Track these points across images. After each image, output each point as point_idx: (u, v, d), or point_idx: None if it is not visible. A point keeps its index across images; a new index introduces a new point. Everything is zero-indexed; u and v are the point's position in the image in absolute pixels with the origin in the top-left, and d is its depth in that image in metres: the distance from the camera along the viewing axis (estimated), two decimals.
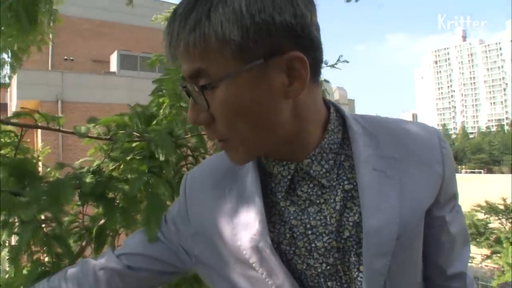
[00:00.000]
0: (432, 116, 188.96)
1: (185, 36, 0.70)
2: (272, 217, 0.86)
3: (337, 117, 0.88)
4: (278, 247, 0.84)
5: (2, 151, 1.66)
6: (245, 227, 0.83)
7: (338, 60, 3.30)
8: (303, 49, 0.73)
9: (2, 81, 2.40)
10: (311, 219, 0.83)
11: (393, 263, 0.81)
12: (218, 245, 0.87)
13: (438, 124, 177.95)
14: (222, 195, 0.89)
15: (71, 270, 1.01)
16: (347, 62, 3.39)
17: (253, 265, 0.82)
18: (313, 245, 0.83)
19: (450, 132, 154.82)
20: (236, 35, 0.68)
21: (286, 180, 0.85)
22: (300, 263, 0.84)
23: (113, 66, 15.95)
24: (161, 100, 1.89)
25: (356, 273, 0.82)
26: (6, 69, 2.42)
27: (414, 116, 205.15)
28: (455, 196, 0.93)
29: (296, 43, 0.72)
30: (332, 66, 3.25)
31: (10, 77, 2.44)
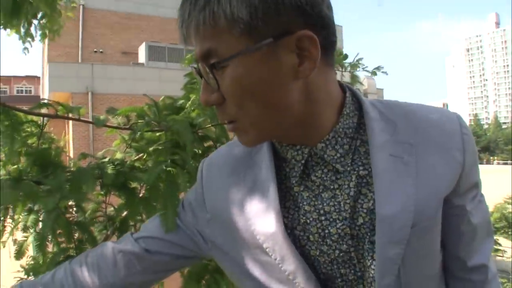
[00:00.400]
0: (464, 106, 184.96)
1: (196, 15, 0.71)
2: (287, 202, 0.86)
3: (353, 101, 0.86)
4: (291, 232, 0.84)
5: (28, 141, 1.69)
6: (259, 213, 0.83)
7: (378, 68, 3.28)
8: (313, 28, 0.72)
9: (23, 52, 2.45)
10: (324, 204, 0.83)
11: (407, 252, 0.79)
12: (233, 230, 0.87)
13: (469, 114, 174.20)
14: (237, 181, 0.89)
15: (91, 253, 1.02)
16: (386, 74, 3.36)
17: (267, 250, 0.82)
18: (326, 231, 0.82)
19: (482, 122, 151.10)
20: (244, 14, 0.68)
21: (300, 165, 0.84)
22: (314, 249, 0.84)
23: (142, 57, 16.08)
24: (190, 95, 1.89)
25: (370, 261, 0.81)
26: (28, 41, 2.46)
27: (445, 105, 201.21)
28: (476, 185, 0.90)
29: (305, 22, 0.72)
30: (373, 73, 3.24)
31: (43, 38, 2.46)
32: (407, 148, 0.82)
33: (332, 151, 0.82)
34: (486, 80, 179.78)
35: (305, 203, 0.84)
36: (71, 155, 13.93)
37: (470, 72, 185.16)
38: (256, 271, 0.86)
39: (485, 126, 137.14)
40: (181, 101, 1.84)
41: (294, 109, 0.77)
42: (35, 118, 1.72)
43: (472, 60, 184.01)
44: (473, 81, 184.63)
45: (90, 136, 13.52)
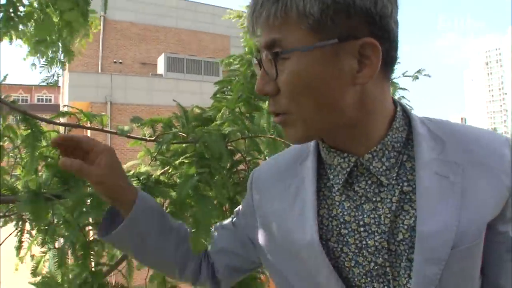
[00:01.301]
0: (483, 120, 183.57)
1: (269, 6, 0.73)
2: (321, 210, 0.86)
3: (403, 116, 0.85)
4: (326, 244, 0.84)
5: (47, 151, 1.63)
6: (298, 222, 0.85)
7: (419, 72, 3.24)
8: (378, 39, 0.73)
9: (50, 80, 2.38)
10: (364, 216, 0.82)
11: (445, 273, 0.76)
12: (277, 237, 0.90)
13: (488, 128, 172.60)
14: (283, 189, 0.91)
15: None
16: (429, 76, 3.33)
17: (303, 260, 0.84)
18: (364, 242, 0.81)
19: None
20: (316, 10, 0.70)
21: (345, 172, 0.83)
22: (348, 261, 0.83)
23: (160, 68, 16.30)
24: (221, 104, 1.80)
25: (406, 279, 0.79)
26: (54, 68, 2.40)
27: (463, 119, 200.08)
28: None
29: (371, 31, 0.72)
30: (414, 77, 3.20)
31: (58, 75, 2.42)
32: (454, 168, 0.80)
33: (378, 163, 0.81)
34: (505, 94, 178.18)
35: (345, 213, 0.84)
36: None
37: (489, 85, 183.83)
38: (292, 279, 0.87)
39: None
40: (210, 112, 1.75)
41: (345, 113, 0.77)
42: (56, 127, 1.65)
43: (491, 73, 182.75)
44: (492, 95, 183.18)
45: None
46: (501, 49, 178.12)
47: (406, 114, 0.87)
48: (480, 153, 0.82)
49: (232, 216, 1.11)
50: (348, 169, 0.83)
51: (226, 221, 1.12)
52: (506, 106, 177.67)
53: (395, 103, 0.86)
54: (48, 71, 2.34)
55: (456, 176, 0.80)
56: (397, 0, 0.77)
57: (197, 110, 1.75)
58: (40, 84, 2.27)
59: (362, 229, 0.82)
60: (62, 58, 2.36)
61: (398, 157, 0.82)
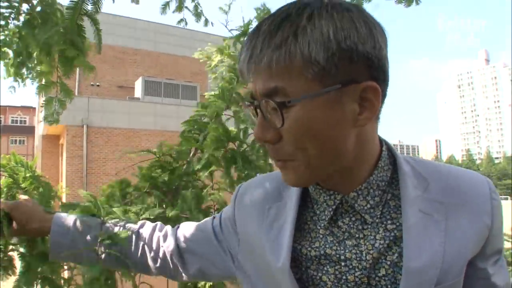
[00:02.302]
0: (456, 141, 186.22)
1: (269, 53, 0.71)
2: (304, 241, 0.88)
3: (388, 155, 0.88)
4: (306, 271, 0.87)
5: (23, 185, 1.72)
6: (273, 247, 0.88)
7: None
8: (376, 81, 0.75)
9: (50, 119, 2.46)
10: (346, 251, 0.84)
11: None
12: (255, 256, 0.93)
13: (462, 149, 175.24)
14: (262, 212, 0.94)
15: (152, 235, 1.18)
16: None
17: (277, 281, 0.86)
18: (344, 277, 0.83)
19: (474, 157, 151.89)
20: (321, 57, 0.70)
21: (331, 209, 0.86)
22: None
23: (138, 92, 16.17)
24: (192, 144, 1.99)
25: None
26: (55, 106, 2.46)
27: (437, 141, 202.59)
28: (500, 251, 0.91)
29: (371, 74, 0.74)
30: None
31: (58, 113, 2.48)
32: (438, 207, 0.84)
33: (363, 201, 0.84)
34: (478, 115, 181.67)
35: (327, 246, 0.85)
36: (64, 186, 13.73)
37: (462, 107, 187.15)
38: None
39: (478, 161, 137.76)
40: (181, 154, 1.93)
41: (347, 155, 0.79)
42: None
43: (463, 96, 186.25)
44: (465, 117, 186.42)
45: (83, 169, 13.46)
46: (472, 72, 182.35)
47: (391, 153, 0.89)
48: (462, 193, 0.85)
49: (213, 220, 1.12)
50: (334, 207, 0.85)
51: (206, 224, 1.13)
52: (478, 128, 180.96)
53: (381, 141, 0.88)
54: (48, 110, 2.40)
55: (439, 214, 0.83)
56: (386, 38, 0.78)
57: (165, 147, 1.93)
58: (42, 120, 2.30)
59: (343, 263, 0.83)
60: (61, 97, 2.41)
61: (382, 196, 0.85)
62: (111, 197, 1.84)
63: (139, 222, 1.25)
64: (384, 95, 0.78)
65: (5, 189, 1.87)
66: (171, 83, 15.88)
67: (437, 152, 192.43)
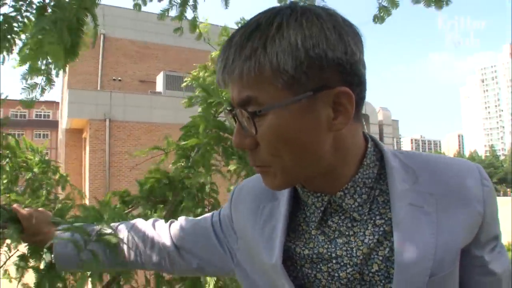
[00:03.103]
0: (479, 137, 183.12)
1: (240, 64, 0.74)
2: (299, 241, 0.90)
3: (375, 152, 0.89)
4: (300, 269, 0.88)
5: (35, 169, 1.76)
6: (266, 246, 0.90)
7: None
8: (349, 85, 0.76)
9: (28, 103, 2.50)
10: (337, 249, 0.85)
11: None
12: (251, 254, 0.96)
13: (485, 145, 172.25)
14: (256, 210, 0.96)
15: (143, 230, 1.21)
16: None
17: (272, 277, 0.88)
18: (336, 274, 0.85)
19: (498, 154, 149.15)
20: (290, 66, 0.71)
21: (319, 211, 0.87)
22: (322, 286, 0.87)
23: (159, 86, 16.32)
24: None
25: None
26: (37, 90, 2.49)
27: (460, 136, 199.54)
28: (496, 238, 0.90)
29: (343, 79, 0.75)
30: None
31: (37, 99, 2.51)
32: (428, 198, 0.84)
33: (350, 199, 0.85)
34: (502, 110, 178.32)
35: (319, 245, 0.87)
36: (87, 180, 14.08)
37: (486, 102, 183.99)
38: None
39: (502, 157, 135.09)
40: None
41: (324, 159, 0.80)
42: None
43: (487, 90, 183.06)
44: (489, 112, 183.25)
45: (105, 162, 13.64)
46: (497, 66, 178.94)
47: (378, 148, 0.90)
48: (452, 182, 0.85)
49: (212, 217, 1.14)
50: (322, 208, 0.87)
51: (206, 221, 1.15)
52: (502, 123, 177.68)
53: (366, 139, 0.89)
54: (29, 94, 2.42)
55: (430, 206, 0.83)
56: (362, 43, 0.79)
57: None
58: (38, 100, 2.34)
59: (334, 261, 0.85)
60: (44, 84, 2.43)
61: (370, 193, 0.85)
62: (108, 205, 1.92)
63: (134, 220, 1.29)
64: (361, 98, 0.80)
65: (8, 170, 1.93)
66: None
67: (459, 148, 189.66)
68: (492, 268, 0.88)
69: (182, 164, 2.31)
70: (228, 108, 0.84)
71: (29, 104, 2.38)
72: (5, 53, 2.35)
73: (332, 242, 0.86)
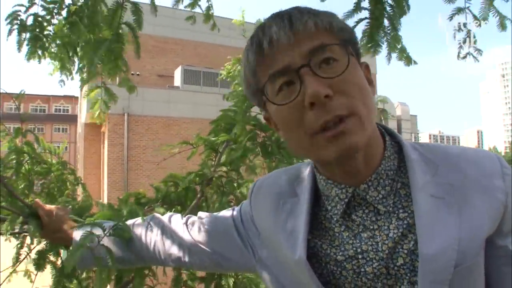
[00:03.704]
0: (499, 133, 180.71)
1: (312, 17, 0.79)
2: (323, 238, 0.90)
3: (392, 145, 0.90)
4: (326, 266, 0.88)
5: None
6: (289, 240, 0.90)
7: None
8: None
9: (98, 119, 2.61)
10: (362, 244, 0.85)
11: None
12: (274, 249, 0.96)
13: (505, 141, 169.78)
14: (277, 206, 0.96)
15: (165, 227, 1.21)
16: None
17: (295, 273, 0.88)
18: (362, 269, 0.84)
19: None
20: (347, 29, 0.84)
21: (343, 203, 0.87)
22: (348, 283, 0.86)
23: (177, 80, 16.42)
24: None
25: None
26: (100, 106, 2.61)
27: (479, 132, 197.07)
28: None
29: (360, 59, 0.88)
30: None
31: (104, 113, 2.64)
32: (449, 189, 0.83)
33: (374, 192, 0.85)
34: None
35: (344, 241, 0.87)
36: (105, 174, 14.23)
37: (506, 98, 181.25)
38: (290, 286, 0.92)
39: None
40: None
41: (374, 116, 0.83)
42: None
43: (507, 86, 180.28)
44: (509, 107, 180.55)
45: (124, 156, 13.76)
46: None
47: (396, 141, 0.91)
48: (473, 172, 0.85)
49: (233, 212, 1.13)
50: (346, 200, 0.86)
51: (226, 216, 1.13)
52: None
53: (381, 132, 0.91)
54: (94, 109, 2.53)
55: (451, 196, 0.83)
56: None
57: None
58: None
59: (360, 256, 0.84)
60: (106, 99, 2.54)
61: (392, 185, 0.86)
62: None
63: (150, 216, 1.29)
64: None
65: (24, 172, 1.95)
66: (210, 71, 15.97)
67: (478, 144, 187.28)
68: None
69: (213, 160, 2.30)
70: (284, 70, 0.79)
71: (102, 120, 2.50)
72: (40, 52, 2.41)
73: (357, 237, 0.86)
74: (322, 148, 0.79)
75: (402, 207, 0.85)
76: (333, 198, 0.89)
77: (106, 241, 1.25)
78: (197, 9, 2.95)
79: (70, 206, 1.59)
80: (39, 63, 2.50)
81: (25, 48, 2.35)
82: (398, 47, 2.17)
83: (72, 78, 2.78)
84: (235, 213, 1.12)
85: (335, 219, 0.88)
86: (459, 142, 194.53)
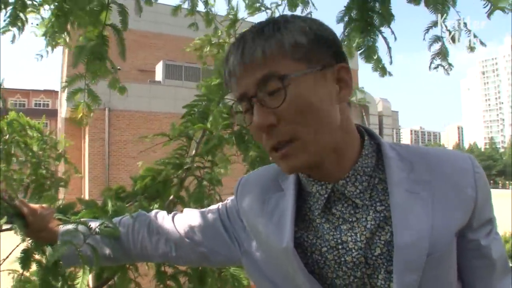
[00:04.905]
0: (479, 129, 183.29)
1: (262, 43, 0.83)
2: (309, 230, 0.95)
3: (371, 144, 0.96)
4: (311, 256, 0.94)
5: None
6: (276, 230, 0.95)
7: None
8: (345, 63, 0.90)
9: (81, 121, 2.57)
10: (342, 235, 0.91)
11: (423, 279, 0.85)
12: (260, 242, 1.01)
13: (485, 137, 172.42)
14: (263, 201, 1.02)
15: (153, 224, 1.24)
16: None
17: (282, 263, 0.93)
18: (342, 259, 0.90)
19: (498, 146, 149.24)
20: (304, 41, 0.84)
21: (323, 198, 0.94)
22: (331, 272, 0.92)
23: (159, 75, 16.26)
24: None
25: None
26: (83, 109, 2.56)
27: (460, 128, 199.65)
28: (490, 222, 0.96)
29: (340, 58, 0.90)
30: None
31: (87, 117, 2.60)
32: (423, 185, 0.90)
33: (352, 187, 0.92)
34: (502, 103, 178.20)
35: (325, 232, 0.93)
36: (87, 169, 14.08)
37: (486, 95, 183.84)
38: (276, 278, 0.97)
39: (501, 150, 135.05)
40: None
41: (336, 133, 0.88)
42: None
43: (487, 83, 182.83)
44: (489, 104, 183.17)
45: (105, 151, 13.63)
46: (498, 58, 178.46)
47: (375, 141, 0.98)
48: (446, 170, 0.92)
49: (218, 207, 1.18)
50: (326, 195, 0.93)
51: (212, 211, 1.18)
52: (502, 116, 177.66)
53: (360, 131, 0.97)
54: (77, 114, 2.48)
55: (425, 192, 0.89)
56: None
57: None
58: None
59: (340, 246, 0.91)
60: (88, 101, 2.50)
61: (370, 181, 0.93)
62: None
63: (135, 213, 1.31)
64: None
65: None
66: (192, 66, 15.86)
67: (459, 140, 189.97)
68: (488, 252, 0.94)
69: (185, 149, 2.31)
70: (237, 102, 0.91)
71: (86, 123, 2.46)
72: (16, 31, 2.35)
73: (337, 229, 0.92)
74: (277, 163, 0.90)
75: (380, 201, 0.91)
76: (314, 194, 0.95)
77: (92, 239, 1.27)
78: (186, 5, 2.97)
79: (56, 205, 1.58)
80: (12, 42, 2.43)
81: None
82: (374, 57, 2.21)
83: (53, 48, 2.70)
84: (221, 208, 1.17)
85: (316, 213, 0.94)
86: (440, 138, 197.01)
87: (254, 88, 0.84)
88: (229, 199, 1.17)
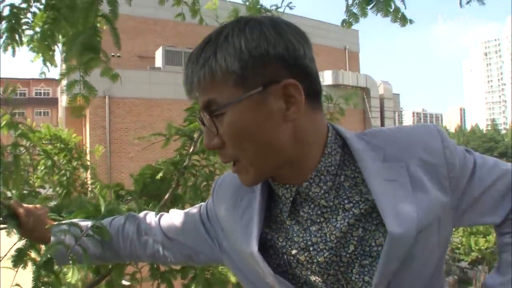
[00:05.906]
0: (481, 111, 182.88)
1: (197, 72, 0.84)
2: (280, 231, 0.96)
3: (336, 140, 0.93)
4: (282, 257, 0.95)
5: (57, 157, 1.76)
6: (244, 234, 0.96)
7: None
8: (297, 78, 0.84)
9: (77, 113, 2.55)
10: (312, 236, 0.91)
11: (402, 267, 0.86)
12: (233, 242, 1.02)
13: (487, 119, 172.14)
14: (235, 202, 1.03)
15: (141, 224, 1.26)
16: None
17: (252, 264, 0.95)
18: (315, 260, 0.91)
19: (500, 128, 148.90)
20: (237, 67, 0.81)
21: (289, 201, 0.94)
22: (305, 270, 0.93)
23: (158, 61, 16.25)
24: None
25: (361, 282, 0.89)
26: (79, 101, 2.55)
27: (462, 110, 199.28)
28: (472, 173, 0.95)
29: (290, 73, 0.84)
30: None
31: (84, 108, 2.59)
32: (399, 170, 0.89)
33: (316, 188, 0.91)
34: (504, 84, 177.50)
35: (295, 235, 0.94)
36: (88, 157, 14.03)
37: (488, 76, 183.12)
38: (252, 278, 0.99)
39: (503, 131, 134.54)
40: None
41: (285, 149, 0.87)
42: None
43: (490, 64, 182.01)
44: (491, 86, 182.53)
45: (106, 139, 13.64)
46: (500, 39, 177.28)
47: (340, 136, 0.95)
48: (416, 151, 0.91)
49: (200, 208, 1.20)
50: (291, 198, 0.93)
51: (194, 213, 1.20)
52: (505, 97, 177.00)
53: (328, 129, 0.94)
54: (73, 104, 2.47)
55: (402, 177, 0.89)
56: (308, 40, 0.88)
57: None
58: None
59: (311, 248, 0.91)
60: (85, 93, 2.50)
61: (335, 180, 0.91)
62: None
63: (125, 214, 1.33)
64: (315, 90, 0.89)
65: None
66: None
67: (461, 121, 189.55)
68: (486, 188, 0.95)
69: (187, 148, 2.34)
70: (198, 117, 0.93)
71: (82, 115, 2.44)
72: (15, 45, 2.37)
73: (306, 230, 0.92)
74: None
75: (347, 198, 0.90)
76: (280, 197, 0.95)
77: (83, 240, 1.29)
78: None
79: (49, 205, 1.58)
80: (13, 56, 2.47)
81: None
82: (391, 10, 2.13)
83: (55, 66, 2.78)
84: (201, 209, 1.19)
85: (286, 215, 0.95)
86: (442, 120, 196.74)
87: (202, 110, 0.87)
88: (208, 200, 1.19)
